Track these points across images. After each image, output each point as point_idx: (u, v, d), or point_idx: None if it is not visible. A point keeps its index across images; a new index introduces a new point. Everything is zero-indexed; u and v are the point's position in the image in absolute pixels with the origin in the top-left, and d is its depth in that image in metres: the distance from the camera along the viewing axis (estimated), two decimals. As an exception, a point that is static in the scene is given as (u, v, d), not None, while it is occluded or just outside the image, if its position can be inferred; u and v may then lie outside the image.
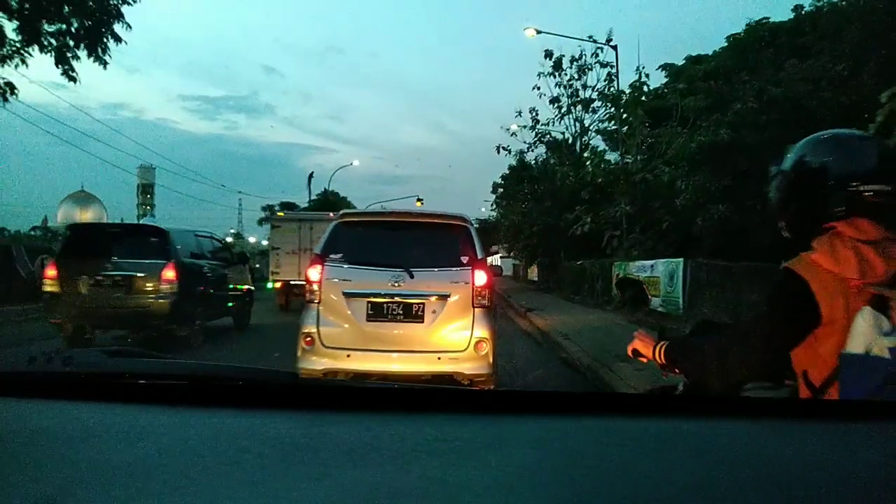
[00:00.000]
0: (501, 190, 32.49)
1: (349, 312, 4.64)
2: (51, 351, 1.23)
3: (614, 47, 19.61)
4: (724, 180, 12.36)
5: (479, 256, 4.88)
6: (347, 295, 4.67)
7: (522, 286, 32.37)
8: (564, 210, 22.58)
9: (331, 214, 12.56)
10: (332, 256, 4.77)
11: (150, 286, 8.35)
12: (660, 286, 12.09)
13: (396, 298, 4.63)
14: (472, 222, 5.42)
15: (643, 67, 16.75)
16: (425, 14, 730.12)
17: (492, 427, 0.94)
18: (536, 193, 24.64)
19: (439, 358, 4.63)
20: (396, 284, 4.63)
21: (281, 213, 19.78)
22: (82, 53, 10.89)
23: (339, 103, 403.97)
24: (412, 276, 4.64)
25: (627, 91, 18.40)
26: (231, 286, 10.83)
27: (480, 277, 4.76)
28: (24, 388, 1.13)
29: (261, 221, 62.14)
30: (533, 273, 32.66)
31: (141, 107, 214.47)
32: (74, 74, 10.89)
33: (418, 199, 42.71)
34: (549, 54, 27.87)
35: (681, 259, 10.64)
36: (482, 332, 4.70)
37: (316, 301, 4.71)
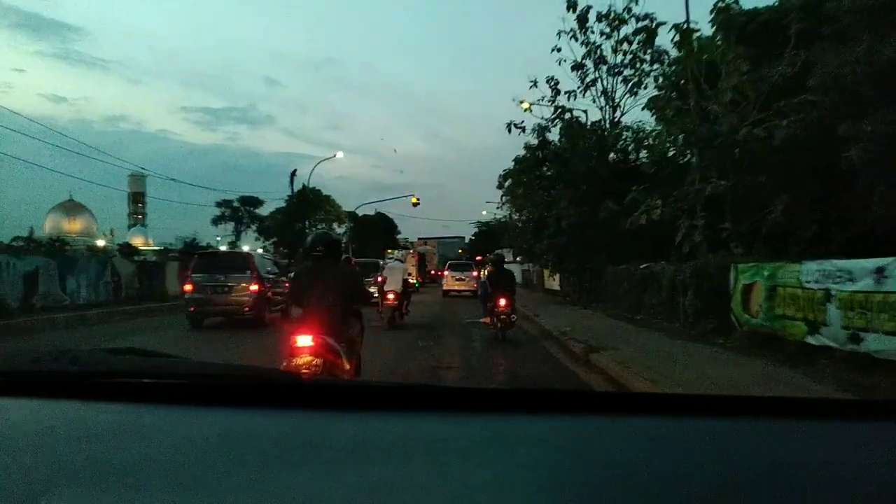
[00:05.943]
0: (511, 181, 26.41)
1: (451, 278, 31.43)
2: (56, 350, 1.22)
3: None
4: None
5: (474, 267, 33.34)
6: (451, 275, 31.55)
7: (540, 297, 26.47)
8: (606, 196, 16.92)
9: (412, 251, 47.88)
10: (448, 268, 33.12)
11: None
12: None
13: (460, 276, 31.07)
14: (471, 261, 39.32)
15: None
16: (420, 25, 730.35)
17: (492, 425, 0.94)
18: (565, 176, 18.81)
19: (467, 286, 29.55)
20: (461, 273, 31.33)
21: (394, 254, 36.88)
22: None
23: (338, 113, 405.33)
24: (464, 272, 31.53)
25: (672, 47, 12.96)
26: None
27: (474, 273, 30.97)
28: (28, 387, 1.12)
29: (215, 221, 56.68)
30: (553, 281, 26.69)
31: (141, 118, 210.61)
32: None
33: (415, 201, 42.55)
34: (571, 6, 22.56)
35: None
36: (475, 281, 29.16)
37: (444, 276, 33.12)
